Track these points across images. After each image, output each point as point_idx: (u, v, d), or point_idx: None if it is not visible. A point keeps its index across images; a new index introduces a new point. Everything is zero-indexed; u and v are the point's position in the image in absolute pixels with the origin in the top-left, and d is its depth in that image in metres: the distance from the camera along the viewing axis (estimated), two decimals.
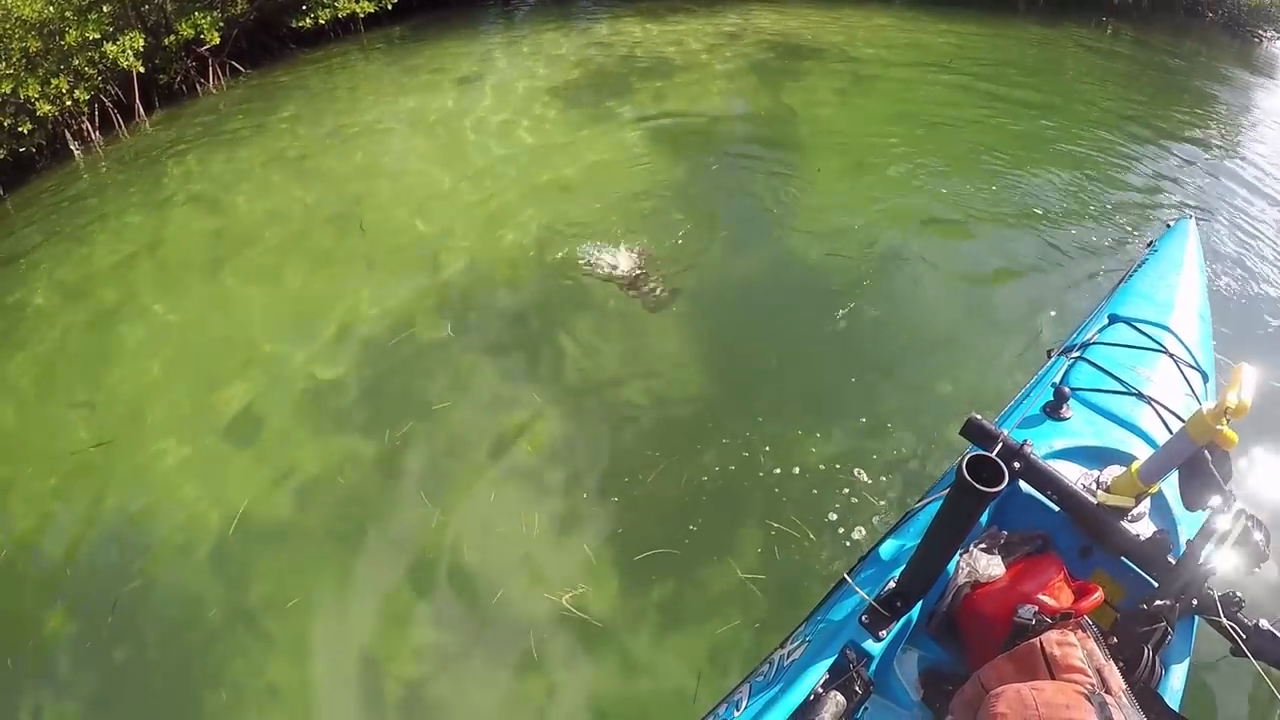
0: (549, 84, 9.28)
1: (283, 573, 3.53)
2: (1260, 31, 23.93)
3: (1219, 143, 9.93)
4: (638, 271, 5.28)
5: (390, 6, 11.81)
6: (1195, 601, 1.88)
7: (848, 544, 3.44)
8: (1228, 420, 1.81)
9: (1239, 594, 1.88)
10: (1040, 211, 6.80)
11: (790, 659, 1.94)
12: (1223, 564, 1.86)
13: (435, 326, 4.92)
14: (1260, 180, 8.64)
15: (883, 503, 3.65)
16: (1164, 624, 1.85)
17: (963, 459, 1.49)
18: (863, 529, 3.51)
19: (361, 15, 11.50)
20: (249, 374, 4.72)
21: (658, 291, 5.08)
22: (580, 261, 5.42)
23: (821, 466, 3.82)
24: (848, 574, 2.07)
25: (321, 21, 11.13)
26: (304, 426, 4.29)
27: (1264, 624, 1.84)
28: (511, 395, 4.35)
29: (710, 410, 4.17)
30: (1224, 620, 1.83)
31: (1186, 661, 1.98)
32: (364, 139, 7.98)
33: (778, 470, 3.79)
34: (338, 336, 4.93)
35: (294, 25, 11.06)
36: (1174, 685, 1.92)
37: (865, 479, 3.77)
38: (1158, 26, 18.35)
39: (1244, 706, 2.97)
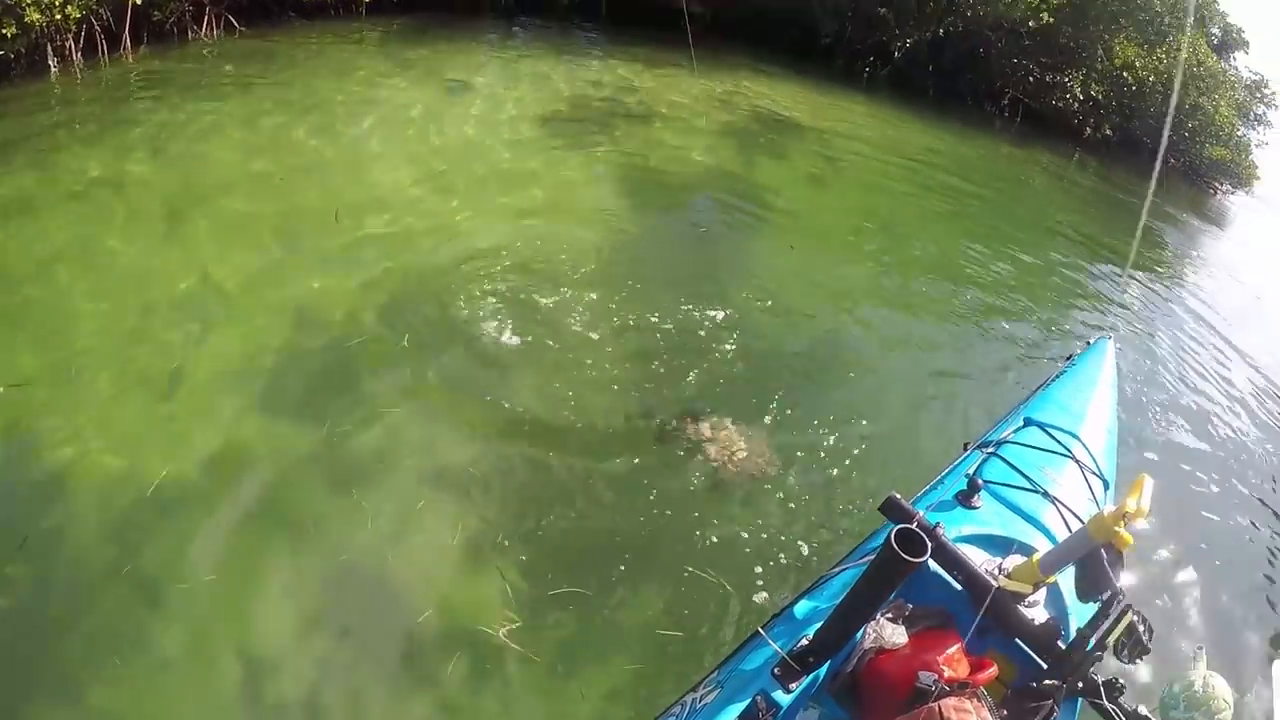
0: (535, 109, 9.36)
1: (195, 548, 3.35)
2: (1217, 184, 25.41)
3: (1155, 276, 10.64)
4: (584, 313, 5.33)
5: None
6: (1081, 684, 2.01)
7: (757, 599, 3.51)
8: (1125, 523, 1.93)
9: (1121, 681, 2.01)
10: (979, 313, 7.18)
11: (702, 702, 1.99)
12: (1108, 653, 1.99)
13: (391, 333, 4.82)
14: (1184, 316, 9.37)
15: (796, 565, 3.75)
16: (1050, 702, 1.97)
17: (891, 530, 1.57)
18: (772, 589, 3.58)
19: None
20: (193, 338, 4.53)
21: (604, 337, 5.14)
22: (536, 297, 5.43)
23: (740, 527, 3.90)
24: (761, 628, 2.13)
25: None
26: (243, 403, 4.13)
27: (1142, 710, 1.97)
28: (454, 415, 4.31)
29: (641, 460, 4.21)
30: (1106, 704, 1.96)
31: None
32: (345, 123, 7.89)
33: (701, 526, 3.85)
34: (288, 320, 4.79)
35: None
36: None
37: (783, 542, 3.86)
38: (1122, 164, 19.30)
39: None
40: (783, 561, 3.75)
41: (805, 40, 15.63)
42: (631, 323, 5.32)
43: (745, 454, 4.37)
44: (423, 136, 8.00)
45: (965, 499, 2.70)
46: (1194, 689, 1.90)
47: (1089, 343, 4.85)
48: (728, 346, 5.31)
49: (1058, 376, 4.26)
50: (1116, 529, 1.92)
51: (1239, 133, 23.73)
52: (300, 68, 9.38)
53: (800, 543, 3.87)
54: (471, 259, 5.74)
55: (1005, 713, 1.98)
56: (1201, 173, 24.28)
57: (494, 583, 3.39)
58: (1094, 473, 3.18)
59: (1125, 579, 2.00)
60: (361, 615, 3.23)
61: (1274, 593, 4.88)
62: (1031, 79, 18.26)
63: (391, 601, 3.28)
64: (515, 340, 4.95)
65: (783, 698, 1.85)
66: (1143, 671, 3.56)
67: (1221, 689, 1.90)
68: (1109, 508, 1.98)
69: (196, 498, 3.55)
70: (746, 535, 3.85)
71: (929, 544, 1.56)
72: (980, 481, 2.75)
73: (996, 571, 2.28)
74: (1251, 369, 8.60)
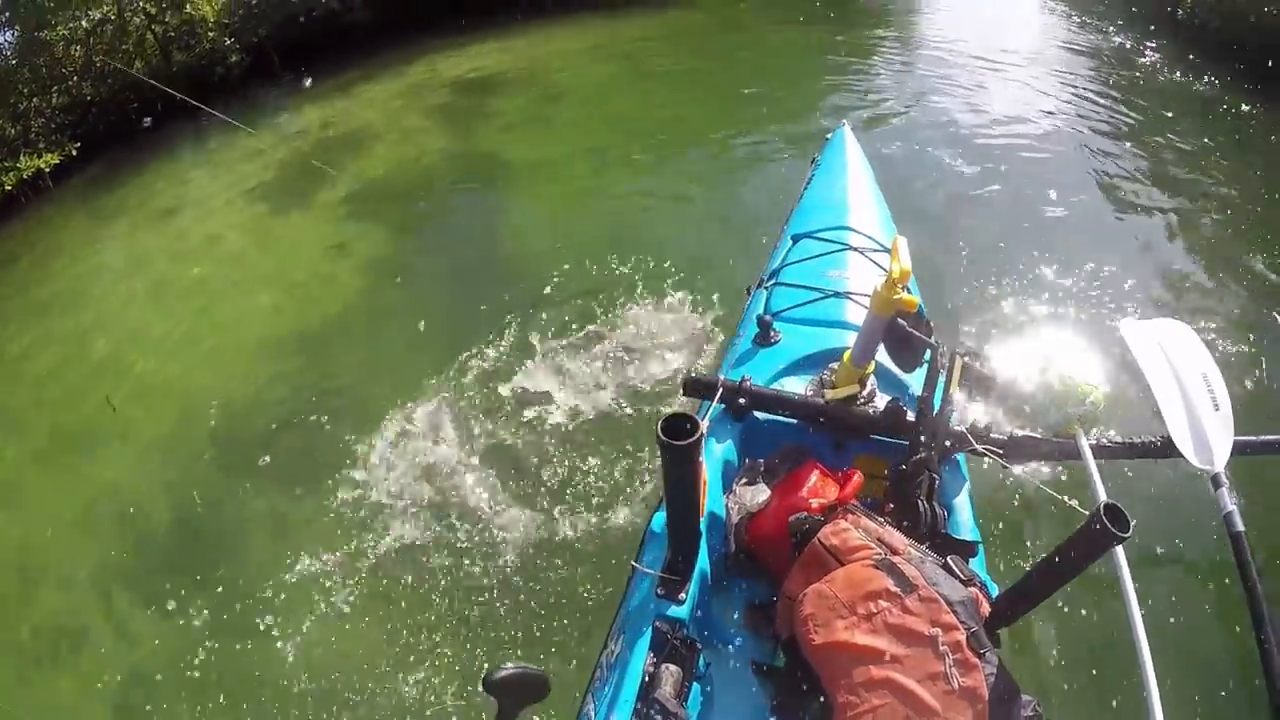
0: (254, 189, 9.17)
1: None
2: None
3: (881, 48, 11.18)
4: (395, 355, 5.42)
5: (74, 153, 11.38)
6: (948, 442, 2.04)
7: (621, 549, 3.64)
8: (901, 288, 1.95)
9: (983, 420, 2.09)
10: (728, 166, 7.52)
11: (614, 655, 1.95)
12: (960, 401, 2.04)
13: (212, 484, 4.79)
14: (908, 68, 10.09)
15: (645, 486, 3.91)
16: (928, 473, 1.97)
17: (657, 423, 1.51)
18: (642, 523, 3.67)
19: (47, 169, 11.01)
20: (35, 592, 4.50)
21: (418, 370, 5.14)
22: (337, 368, 5.47)
23: (584, 475, 4.09)
24: (634, 562, 2.09)
25: (8, 187, 10.61)
26: (103, 633, 4.09)
27: (1017, 433, 2.06)
28: (290, 530, 4.32)
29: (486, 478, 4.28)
30: (979, 446, 2.03)
31: (965, 493, 2.16)
32: (85, 305, 7.58)
33: (542, 519, 3.95)
34: (110, 523, 4.73)
35: None
36: (962, 519, 2.10)
37: (630, 478, 4.02)
38: None
39: (1040, 510, 3.40)
40: (645, 491, 3.89)
41: None
42: (442, 345, 5.36)
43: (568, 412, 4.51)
44: (163, 278, 7.77)
45: (762, 339, 2.73)
46: (1054, 388, 1.98)
47: (827, 138, 4.81)
48: (517, 325, 5.38)
49: (809, 183, 4.26)
50: (896, 297, 1.96)
51: None
52: (17, 272, 8.94)
53: (640, 472, 4.02)
54: (248, 368, 5.75)
55: (891, 505, 2.03)
56: None
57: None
58: (876, 250, 3.24)
59: (941, 330, 2.04)
60: None
61: (1074, 277, 5.21)
62: None
63: None
64: (321, 425, 4.96)
65: (679, 610, 1.85)
66: (1004, 402, 3.75)
67: (1079, 375, 2.00)
68: (879, 281, 2.01)
69: None
70: (593, 493, 4.00)
71: (697, 421, 1.51)
72: (769, 317, 2.78)
73: (821, 388, 2.35)
74: (1001, 74, 9.45)
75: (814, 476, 2.10)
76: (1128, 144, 7.52)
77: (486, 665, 3.40)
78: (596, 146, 8.64)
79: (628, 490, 4.00)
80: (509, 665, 1.45)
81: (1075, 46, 10.90)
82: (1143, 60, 10.19)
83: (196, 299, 7.08)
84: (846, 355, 2.26)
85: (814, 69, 10.55)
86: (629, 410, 4.49)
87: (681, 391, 2.29)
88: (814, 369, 2.52)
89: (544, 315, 5.45)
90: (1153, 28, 11.06)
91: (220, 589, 4.10)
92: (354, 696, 3.44)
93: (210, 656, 3.77)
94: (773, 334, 2.74)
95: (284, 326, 6.20)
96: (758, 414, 2.33)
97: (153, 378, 6.05)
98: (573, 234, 6.61)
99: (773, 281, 3.18)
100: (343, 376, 5.37)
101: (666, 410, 3.01)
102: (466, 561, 3.90)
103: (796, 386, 2.43)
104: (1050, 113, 8.30)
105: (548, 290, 5.73)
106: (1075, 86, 9.10)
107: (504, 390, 4.88)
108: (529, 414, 4.58)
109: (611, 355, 4.89)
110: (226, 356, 6.06)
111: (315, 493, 4.50)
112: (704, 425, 1.53)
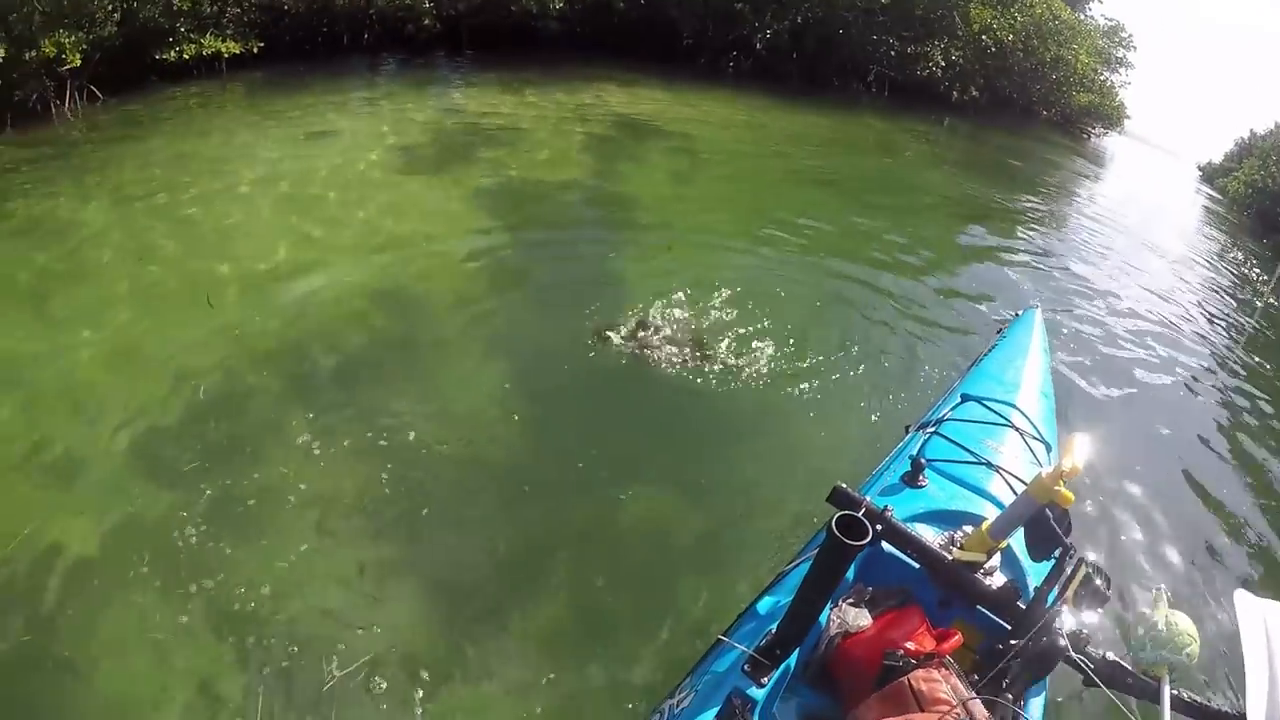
0: (401, 144, 9.31)
1: (108, 620, 3.26)
2: (1089, 128, 26.79)
3: (1059, 233, 11.33)
4: (479, 341, 5.34)
5: (256, 50, 11.86)
6: (1046, 640, 2.01)
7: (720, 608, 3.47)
8: (1064, 481, 2.00)
9: (1085, 631, 2.06)
10: (892, 299, 7.23)
11: (680, 707, 2.05)
12: (1070, 606, 2.03)
13: (274, 387, 4.73)
14: (1095, 271, 10.00)
15: (756, 567, 3.75)
16: (1019, 661, 1.97)
17: (832, 517, 1.59)
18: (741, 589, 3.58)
19: (226, 55, 11.49)
20: (72, 426, 4.36)
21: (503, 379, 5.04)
22: (426, 325, 5.47)
23: (698, 546, 3.93)
24: (723, 635, 2.17)
25: (186, 57, 11.04)
26: (132, 480, 3.98)
27: (1110, 656, 2.04)
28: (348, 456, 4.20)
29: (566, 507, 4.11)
30: (1074, 654, 1.99)
31: (1043, 695, 2.19)
32: (213, 186, 7.66)
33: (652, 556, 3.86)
34: (171, 394, 4.63)
35: (158, 57, 10.91)
36: (1033, 715, 2.11)
37: (739, 551, 3.90)
38: (994, 123, 19.98)
39: None
40: (744, 567, 3.77)
41: (668, 44, 15.87)
42: (513, 366, 5.20)
43: (693, 485, 4.31)
44: (293, 191, 7.81)
45: (911, 479, 2.79)
46: (1158, 628, 1.97)
47: (1017, 314, 5.06)
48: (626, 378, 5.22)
49: (990, 350, 4.42)
50: (1056, 488, 2.00)
51: (1101, 77, 25.16)
52: (167, 132, 9.24)
53: (758, 547, 3.92)
54: (348, 299, 5.72)
55: (976, 677, 2.04)
56: (1073, 119, 25.56)
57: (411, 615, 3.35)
58: (1034, 437, 3.31)
59: (1075, 534, 2.01)
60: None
61: (1217, 527, 5.07)
62: (893, 53, 18.71)
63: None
64: (393, 377, 4.91)
65: (756, 692, 1.90)
66: (1108, 620, 3.67)
67: (1185, 625, 1.97)
68: (1048, 468, 2.05)
69: (103, 571, 3.45)
70: (706, 553, 3.88)
71: (870, 527, 1.60)
72: (924, 461, 2.84)
73: (949, 544, 2.37)
74: (1158, 299, 9.46)
75: (918, 624, 2.14)
76: None
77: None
78: (737, 230, 8.43)
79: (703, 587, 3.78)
80: None
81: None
82: None
83: (315, 224, 7.07)
84: (985, 525, 2.29)
85: (995, 232, 10.57)
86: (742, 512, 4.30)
87: (827, 499, 2.25)
88: (949, 525, 2.57)
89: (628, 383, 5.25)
90: None
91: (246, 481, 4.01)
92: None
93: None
94: (921, 478, 2.79)
95: (379, 279, 6.17)
96: (884, 545, 2.36)
97: (246, 282, 5.99)
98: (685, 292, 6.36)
99: (933, 430, 3.25)
100: (414, 347, 5.34)
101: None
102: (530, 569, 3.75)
103: (928, 535, 2.43)
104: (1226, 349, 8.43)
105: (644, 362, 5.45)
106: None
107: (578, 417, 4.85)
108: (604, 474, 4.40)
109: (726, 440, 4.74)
110: (320, 286, 5.99)
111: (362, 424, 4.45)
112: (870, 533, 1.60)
